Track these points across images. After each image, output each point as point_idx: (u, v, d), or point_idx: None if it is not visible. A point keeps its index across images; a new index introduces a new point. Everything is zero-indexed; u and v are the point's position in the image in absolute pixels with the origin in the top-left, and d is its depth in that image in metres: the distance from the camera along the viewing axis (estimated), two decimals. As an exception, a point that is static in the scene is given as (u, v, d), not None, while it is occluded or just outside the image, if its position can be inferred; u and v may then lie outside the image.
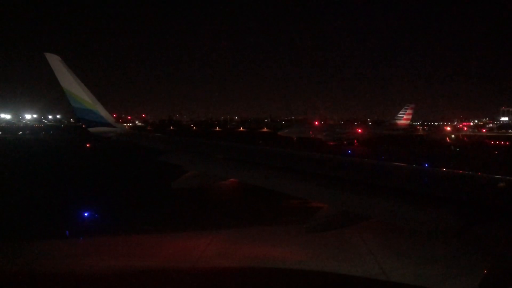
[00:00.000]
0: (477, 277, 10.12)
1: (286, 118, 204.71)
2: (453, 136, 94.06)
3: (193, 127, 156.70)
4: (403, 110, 74.53)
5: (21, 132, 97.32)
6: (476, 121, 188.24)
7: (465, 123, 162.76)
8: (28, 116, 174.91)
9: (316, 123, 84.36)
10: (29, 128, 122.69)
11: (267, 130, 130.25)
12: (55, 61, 11.44)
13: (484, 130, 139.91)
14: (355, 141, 68.32)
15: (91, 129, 12.75)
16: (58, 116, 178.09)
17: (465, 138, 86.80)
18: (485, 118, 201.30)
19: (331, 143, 65.18)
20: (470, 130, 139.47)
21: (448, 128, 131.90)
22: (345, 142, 66.63)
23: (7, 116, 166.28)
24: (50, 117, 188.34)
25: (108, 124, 12.73)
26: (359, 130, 73.68)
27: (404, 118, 74.11)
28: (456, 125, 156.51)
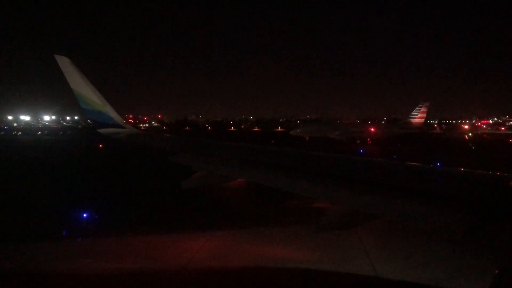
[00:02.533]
0: (477, 279, 10.04)
1: (301, 117, 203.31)
2: (470, 134, 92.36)
3: (208, 127, 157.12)
4: (417, 108, 73.22)
5: (40, 133, 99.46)
6: (495, 118, 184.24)
7: (483, 121, 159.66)
8: (46, 118, 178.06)
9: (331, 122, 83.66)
10: (47, 129, 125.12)
11: (282, 129, 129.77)
12: (64, 63, 11.68)
13: (503, 128, 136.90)
14: (368, 140, 67.65)
15: (101, 130, 12.96)
16: (76, 117, 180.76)
17: (484, 136, 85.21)
18: (506, 116, 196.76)
19: (344, 143, 64.72)
20: (489, 128, 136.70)
21: (466, 126, 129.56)
22: (358, 141, 66.06)
23: (27, 118, 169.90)
24: (68, 118, 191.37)
25: (117, 125, 12.91)
26: (372, 129, 72.88)
27: (418, 116, 72.80)
28: (474, 123, 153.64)
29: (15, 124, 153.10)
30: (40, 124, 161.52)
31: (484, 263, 9.77)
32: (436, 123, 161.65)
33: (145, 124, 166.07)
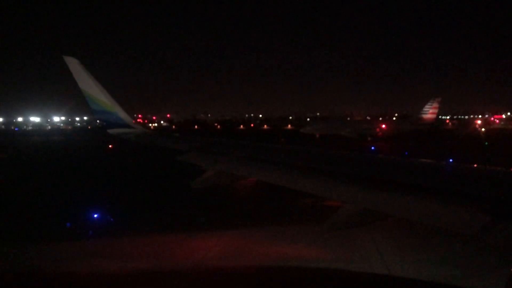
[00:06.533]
0: (492, 277, 9.85)
1: (311, 115, 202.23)
2: (483, 129, 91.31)
3: (217, 126, 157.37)
4: (428, 104, 72.54)
5: (50, 134, 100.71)
6: (508, 113, 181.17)
7: (496, 116, 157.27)
8: (56, 118, 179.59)
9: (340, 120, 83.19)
10: (56, 130, 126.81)
11: (291, 127, 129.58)
12: (73, 64, 11.70)
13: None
14: (379, 133, 67.10)
15: (110, 131, 12.99)
16: (85, 118, 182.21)
17: (496, 132, 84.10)
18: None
19: (355, 140, 64.27)
20: (503, 123, 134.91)
21: (479, 122, 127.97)
22: (369, 138, 65.55)
23: (37, 119, 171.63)
24: (77, 118, 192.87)
25: (127, 126, 12.94)
26: (384, 126, 72.28)
27: (430, 112, 72.11)
28: (487, 118, 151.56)
29: (13, 126, 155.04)
30: (49, 125, 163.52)
31: (500, 261, 9.62)
32: (448, 119, 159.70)
33: (154, 123, 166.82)
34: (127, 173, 31.16)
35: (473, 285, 10.33)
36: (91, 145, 60.91)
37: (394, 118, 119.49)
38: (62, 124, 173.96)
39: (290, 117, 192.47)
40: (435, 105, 72.33)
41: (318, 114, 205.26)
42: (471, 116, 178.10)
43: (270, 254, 12.57)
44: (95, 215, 16.92)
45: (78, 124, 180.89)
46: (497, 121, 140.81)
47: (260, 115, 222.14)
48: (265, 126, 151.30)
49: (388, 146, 52.73)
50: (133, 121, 13.55)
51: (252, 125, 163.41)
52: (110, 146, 51.72)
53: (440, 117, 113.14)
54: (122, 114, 12.84)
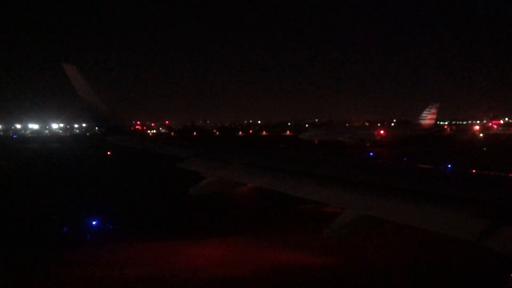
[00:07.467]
0: (492, 282, 9.87)
1: (309, 121, 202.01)
2: (481, 135, 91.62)
3: (216, 132, 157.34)
4: (427, 109, 72.78)
5: (50, 141, 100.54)
6: (506, 119, 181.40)
7: (494, 121, 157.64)
8: (55, 126, 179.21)
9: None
10: (55, 137, 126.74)
11: (290, 133, 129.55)
12: (72, 71, 11.69)
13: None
14: (378, 142, 67.16)
15: (108, 138, 12.97)
16: (83, 125, 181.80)
17: (494, 138, 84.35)
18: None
19: (353, 146, 64.30)
20: (501, 128, 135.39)
21: (477, 127, 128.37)
22: (368, 144, 65.60)
23: (35, 126, 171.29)
24: (76, 125, 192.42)
25: (124, 133, 12.92)
26: (382, 132, 72.39)
27: (428, 118, 72.34)
28: (485, 123, 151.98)
29: (11, 132, 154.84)
30: (49, 133, 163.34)
31: (499, 266, 9.62)
32: (446, 124, 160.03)
33: (153, 130, 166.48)
34: (126, 180, 31.13)
35: None
36: (90, 152, 60.85)
37: (392, 124, 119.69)
38: (61, 131, 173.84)
39: (289, 123, 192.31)
40: (434, 111, 72.56)
41: (316, 120, 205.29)
42: (469, 121, 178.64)
43: (269, 262, 12.51)
44: (94, 222, 16.86)
45: (77, 131, 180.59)
46: (495, 126, 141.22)
47: (259, 121, 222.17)
48: (264, 132, 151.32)
49: (387, 152, 52.81)
50: (132, 128, 13.55)
51: (251, 131, 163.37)
52: (108, 153, 51.67)
53: (438, 122, 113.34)
54: (120, 121, 12.82)
